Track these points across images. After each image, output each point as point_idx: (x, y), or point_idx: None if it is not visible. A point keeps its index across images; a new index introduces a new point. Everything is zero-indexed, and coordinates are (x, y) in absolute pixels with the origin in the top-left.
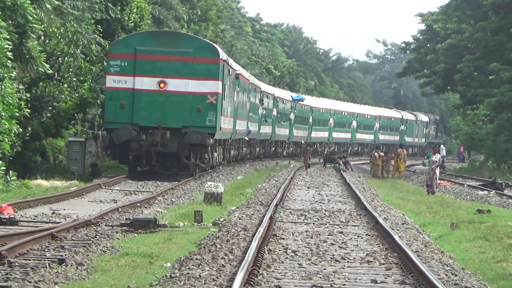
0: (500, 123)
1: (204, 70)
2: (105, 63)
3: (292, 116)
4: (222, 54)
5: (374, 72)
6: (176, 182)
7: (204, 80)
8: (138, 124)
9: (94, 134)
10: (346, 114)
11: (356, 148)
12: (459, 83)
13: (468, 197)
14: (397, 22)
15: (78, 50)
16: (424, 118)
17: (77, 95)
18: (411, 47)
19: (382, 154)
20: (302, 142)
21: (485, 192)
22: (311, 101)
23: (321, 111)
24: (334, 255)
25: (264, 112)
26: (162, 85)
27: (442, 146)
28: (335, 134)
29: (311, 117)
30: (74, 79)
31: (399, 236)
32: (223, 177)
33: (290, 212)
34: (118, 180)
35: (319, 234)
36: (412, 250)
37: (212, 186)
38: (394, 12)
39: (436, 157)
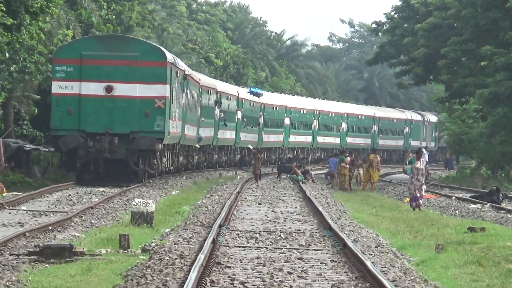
0: (495, 120)
1: (152, 74)
2: (6, 53)
3: (261, 119)
4: (170, 57)
5: (338, 60)
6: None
7: (151, 84)
8: (85, 131)
9: None
10: (333, 115)
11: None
12: (444, 71)
13: (457, 212)
14: None
15: None
16: (433, 118)
17: None
18: (384, 28)
19: (349, 159)
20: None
21: (478, 205)
22: (288, 100)
23: (301, 112)
24: (292, 287)
25: (223, 115)
26: (109, 90)
27: (423, 150)
28: (320, 139)
29: (288, 119)
30: None
31: (372, 262)
32: (154, 192)
33: (238, 234)
34: (25, 198)
35: (274, 261)
36: (388, 279)
37: (141, 204)
38: None
39: (422, 164)
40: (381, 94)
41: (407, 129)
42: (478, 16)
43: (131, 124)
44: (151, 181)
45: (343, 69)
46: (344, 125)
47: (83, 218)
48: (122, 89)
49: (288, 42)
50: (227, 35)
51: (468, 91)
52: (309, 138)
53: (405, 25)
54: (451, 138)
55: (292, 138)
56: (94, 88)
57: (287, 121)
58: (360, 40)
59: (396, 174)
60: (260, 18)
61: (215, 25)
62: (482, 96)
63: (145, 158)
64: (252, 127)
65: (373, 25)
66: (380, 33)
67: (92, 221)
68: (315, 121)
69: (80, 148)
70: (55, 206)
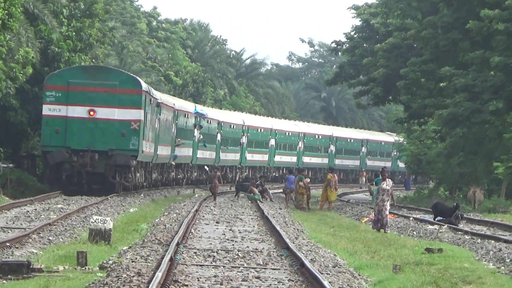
0: (453, 141)
1: (128, 100)
2: None
3: (244, 139)
4: (144, 86)
5: (298, 79)
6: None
7: (128, 109)
8: (70, 147)
9: None
10: (320, 137)
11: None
12: (403, 92)
13: (414, 232)
14: (326, 17)
15: None
16: None
17: None
18: (344, 47)
19: (308, 180)
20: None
21: (436, 226)
22: (273, 123)
23: (286, 134)
24: None
25: (202, 137)
26: (91, 113)
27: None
28: (306, 159)
29: (273, 140)
30: None
31: (330, 282)
32: (112, 209)
33: (195, 252)
34: None
35: (231, 280)
36: None
37: (99, 221)
38: (323, 4)
39: (388, 184)
40: (339, 114)
41: (395, 152)
42: (438, 37)
43: (110, 142)
44: (109, 198)
45: (303, 89)
46: (332, 147)
47: (41, 234)
48: (103, 113)
49: (248, 61)
50: (186, 53)
51: (427, 112)
52: (294, 158)
53: (364, 45)
54: (409, 158)
55: (277, 158)
56: (79, 111)
57: (272, 142)
58: (320, 60)
59: (354, 194)
60: (220, 36)
61: (175, 43)
62: (441, 117)
63: (121, 173)
64: (231, 147)
65: (333, 45)
66: (339, 53)
67: (50, 238)
68: (300, 142)
69: (66, 162)
70: (13, 223)
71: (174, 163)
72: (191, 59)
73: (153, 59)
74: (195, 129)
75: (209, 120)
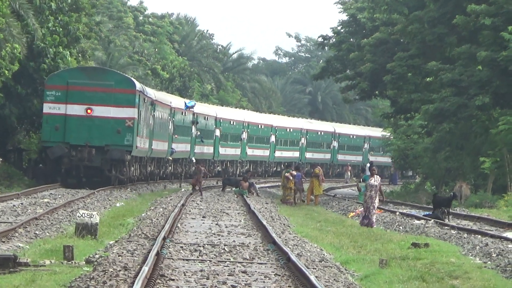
0: (440, 136)
1: (123, 99)
2: None
3: (244, 135)
4: (138, 86)
5: (284, 74)
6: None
7: (123, 107)
8: (69, 143)
9: None
10: (323, 133)
11: (338, 170)
12: (390, 86)
13: (401, 227)
14: (313, 12)
15: None
16: None
17: None
18: (330, 42)
19: (294, 173)
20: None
21: (422, 221)
22: (274, 120)
23: (287, 130)
24: None
25: (199, 133)
26: (89, 111)
27: (368, 165)
28: (308, 155)
29: (274, 136)
30: None
31: (316, 277)
32: (99, 204)
33: (181, 247)
34: None
35: (217, 274)
36: None
37: (85, 215)
38: None
39: (376, 180)
40: (325, 109)
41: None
42: (424, 31)
43: (106, 138)
44: (95, 192)
45: (289, 84)
46: (335, 143)
47: (27, 229)
48: (99, 111)
49: (235, 56)
50: (173, 47)
51: (413, 107)
52: (296, 154)
53: (351, 39)
54: (396, 153)
55: (278, 154)
56: (77, 109)
57: (272, 138)
58: (307, 55)
59: (340, 189)
60: (207, 30)
61: (161, 37)
62: (427, 112)
63: (116, 167)
64: (231, 142)
65: (320, 39)
66: (326, 48)
67: (37, 232)
68: (303, 138)
69: (65, 157)
70: None
71: (171, 158)
72: (178, 53)
73: (140, 53)
74: (193, 126)
75: (206, 117)
